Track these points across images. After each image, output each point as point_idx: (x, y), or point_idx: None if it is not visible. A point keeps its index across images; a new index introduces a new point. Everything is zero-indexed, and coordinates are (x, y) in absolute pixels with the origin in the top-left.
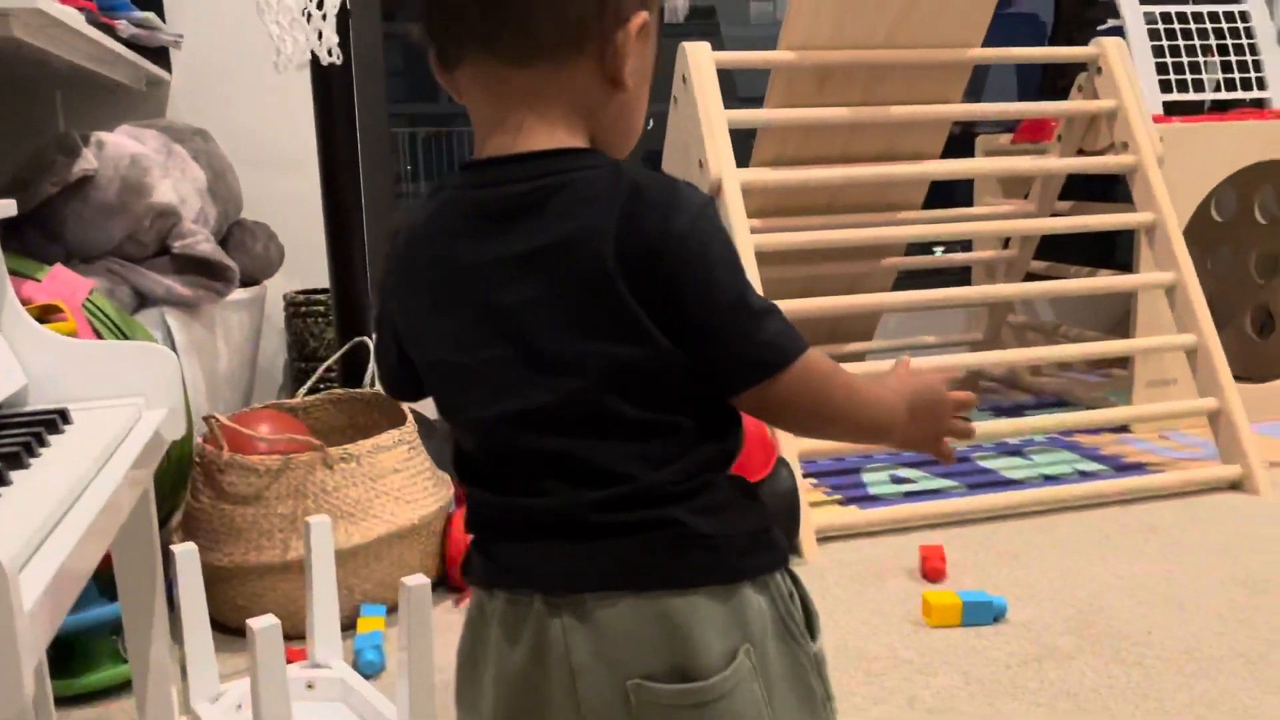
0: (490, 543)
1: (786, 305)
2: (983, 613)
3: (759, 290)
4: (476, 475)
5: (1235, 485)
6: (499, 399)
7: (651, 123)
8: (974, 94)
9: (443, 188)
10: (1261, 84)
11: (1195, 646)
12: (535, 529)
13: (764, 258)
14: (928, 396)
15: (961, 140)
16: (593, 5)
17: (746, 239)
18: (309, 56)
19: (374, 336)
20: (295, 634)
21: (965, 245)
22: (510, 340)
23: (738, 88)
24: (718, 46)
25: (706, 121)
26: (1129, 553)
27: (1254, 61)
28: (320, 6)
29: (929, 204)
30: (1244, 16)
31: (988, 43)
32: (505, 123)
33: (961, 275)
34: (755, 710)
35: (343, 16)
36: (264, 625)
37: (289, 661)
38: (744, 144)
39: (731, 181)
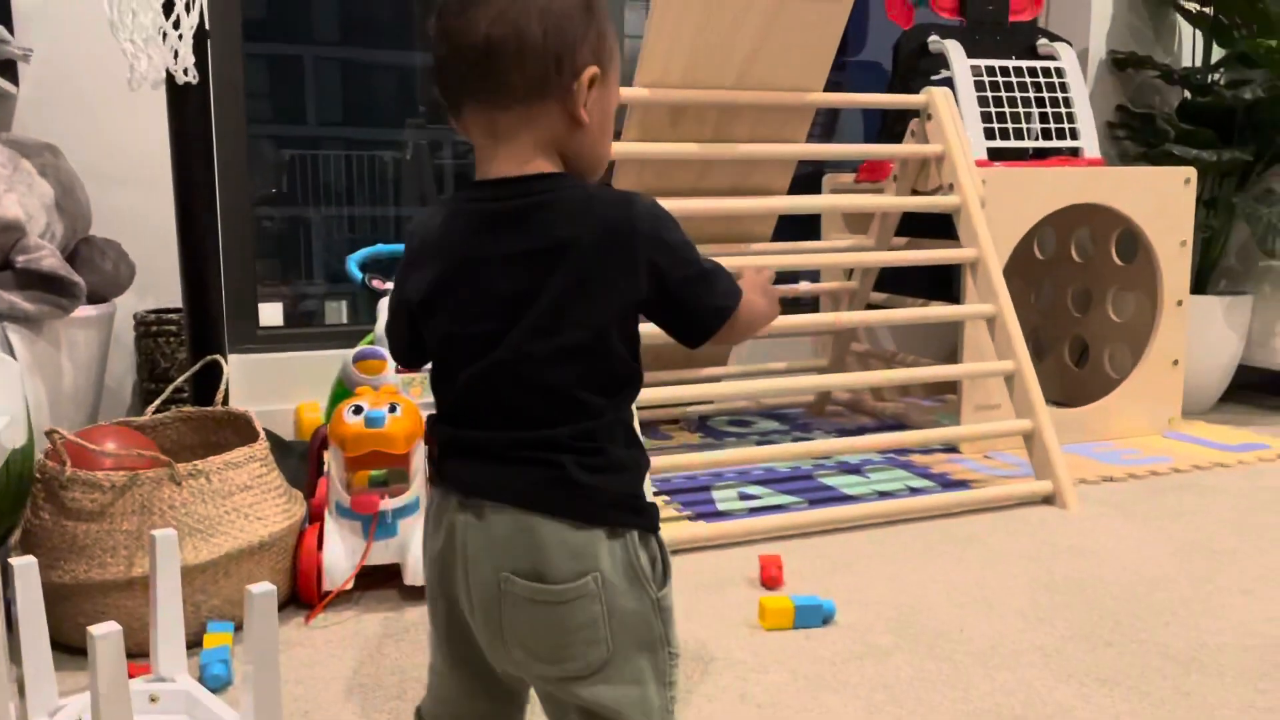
0: (443, 459)
1: (645, 331)
2: (813, 615)
3: None
4: (446, 415)
5: (1047, 500)
6: (476, 360)
7: None
8: (828, 135)
9: (453, 200)
10: (1075, 134)
11: (1000, 642)
12: (471, 451)
13: None
14: (762, 285)
15: (812, 178)
16: (551, 63)
17: None
18: (164, 75)
19: (387, 316)
20: (140, 651)
21: (814, 277)
22: (495, 318)
23: None
24: None
25: None
26: (949, 560)
27: (1068, 114)
28: (176, 26)
29: (787, 237)
30: (1059, 73)
31: (838, 87)
32: (497, 153)
33: (810, 305)
34: (593, 623)
35: (201, 36)
36: (105, 632)
37: (133, 676)
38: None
39: None
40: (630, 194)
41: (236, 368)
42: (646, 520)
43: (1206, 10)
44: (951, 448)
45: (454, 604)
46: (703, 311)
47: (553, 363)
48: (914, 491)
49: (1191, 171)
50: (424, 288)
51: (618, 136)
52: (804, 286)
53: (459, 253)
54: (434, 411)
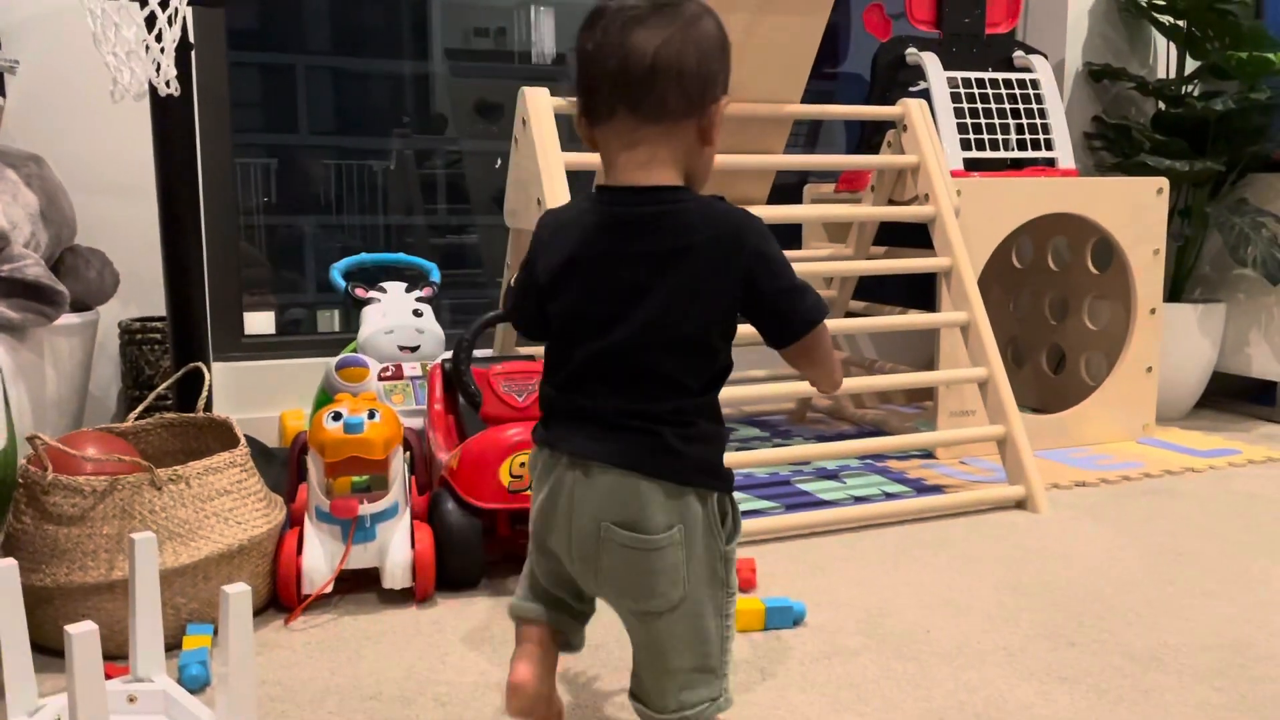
0: (552, 422)
1: None
2: (783, 617)
3: None
4: (560, 384)
5: (1020, 504)
6: (596, 339)
7: (499, 162)
8: (811, 145)
9: (586, 199)
10: (1050, 145)
11: (966, 643)
12: (581, 418)
13: None
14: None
15: (795, 188)
16: (699, 89)
17: None
18: (147, 87)
19: (514, 295)
20: (120, 654)
21: None
22: (616, 305)
23: None
24: (569, 91)
25: (544, 162)
26: (920, 564)
27: (1044, 125)
28: (159, 39)
29: None
30: (1035, 84)
31: (827, 98)
32: (633, 161)
33: None
34: (675, 567)
35: (184, 49)
36: (82, 631)
37: (112, 677)
38: (586, 185)
39: None
40: (742, 210)
41: (221, 376)
42: (725, 483)
43: (1180, 23)
44: (927, 453)
45: (550, 551)
46: (793, 318)
47: (661, 351)
48: (889, 496)
49: (1164, 182)
50: (554, 271)
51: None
52: None
53: (590, 246)
54: (545, 380)
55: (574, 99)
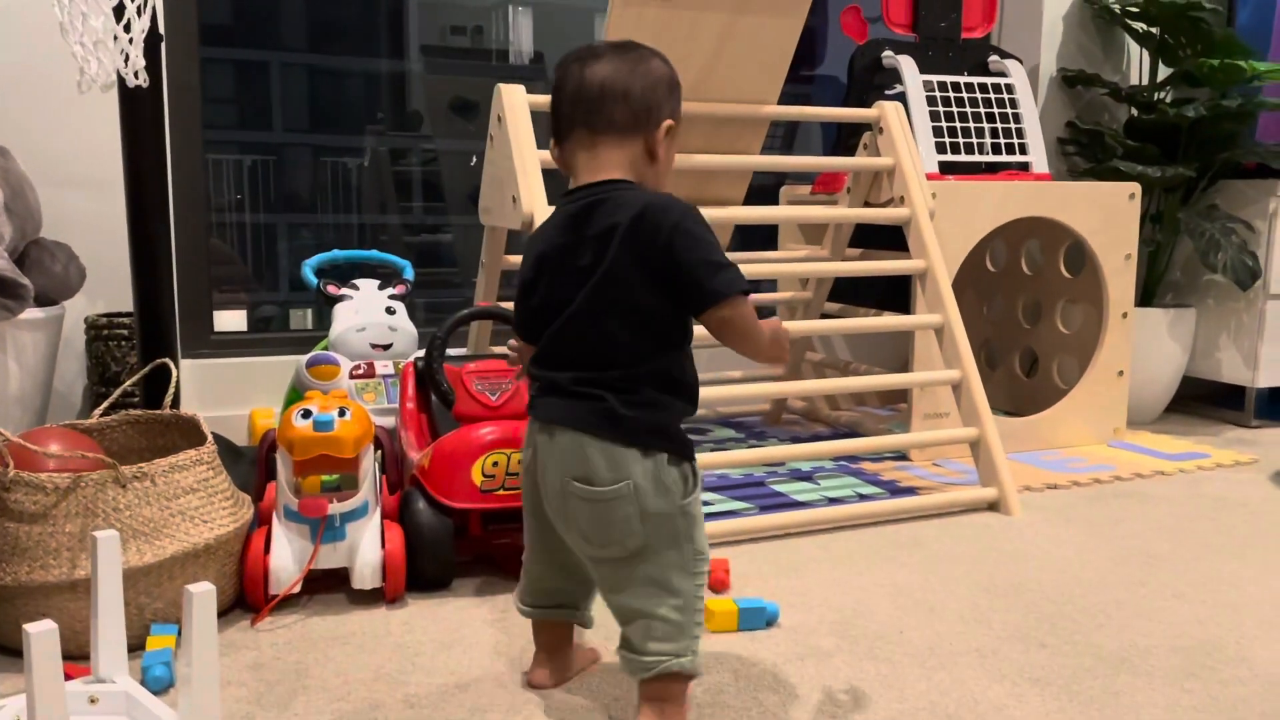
0: (535, 395)
1: None
2: (756, 618)
3: None
4: (536, 360)
5: (993, 506)
6: (557, 318)
7: (475, 160)
8: (788, 147)
9: (556, 209)
10: (1024, 149)
11: (938, 643)
12: (548, 389)
13: None
14: (773, 326)
15: (772, 189)
16: (644, 111)
17: None
18: (114, 78)
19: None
20: (82, 654)
21: (771, 286)
22: (572, 286)
23: None
24: (545, 90)
25: (520, 160)
26: (893, 564)
27: (1018, 129)
28: (128, 29)
29: (745, 248)
30: (1010, 89)
31: (805, 100)
32: (588, 166)
33: (765, 315)
34: (628, 518)
35: (154, 40)
36: (41, 630)
37: (74, 678)
38: (562, 184)
39: (543, 217)
40: (674, 197)
41: (190, 373)
42: (674, 446)
43: (1153, 30)
44: (901, 455)
45: (538, 504)
46: (705, 287)
47: (606, 320)
48: (863, 498)
49: (1136, 187)
50: (527, 270)
51: None
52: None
53: (551, 240)
54: (531, 361)
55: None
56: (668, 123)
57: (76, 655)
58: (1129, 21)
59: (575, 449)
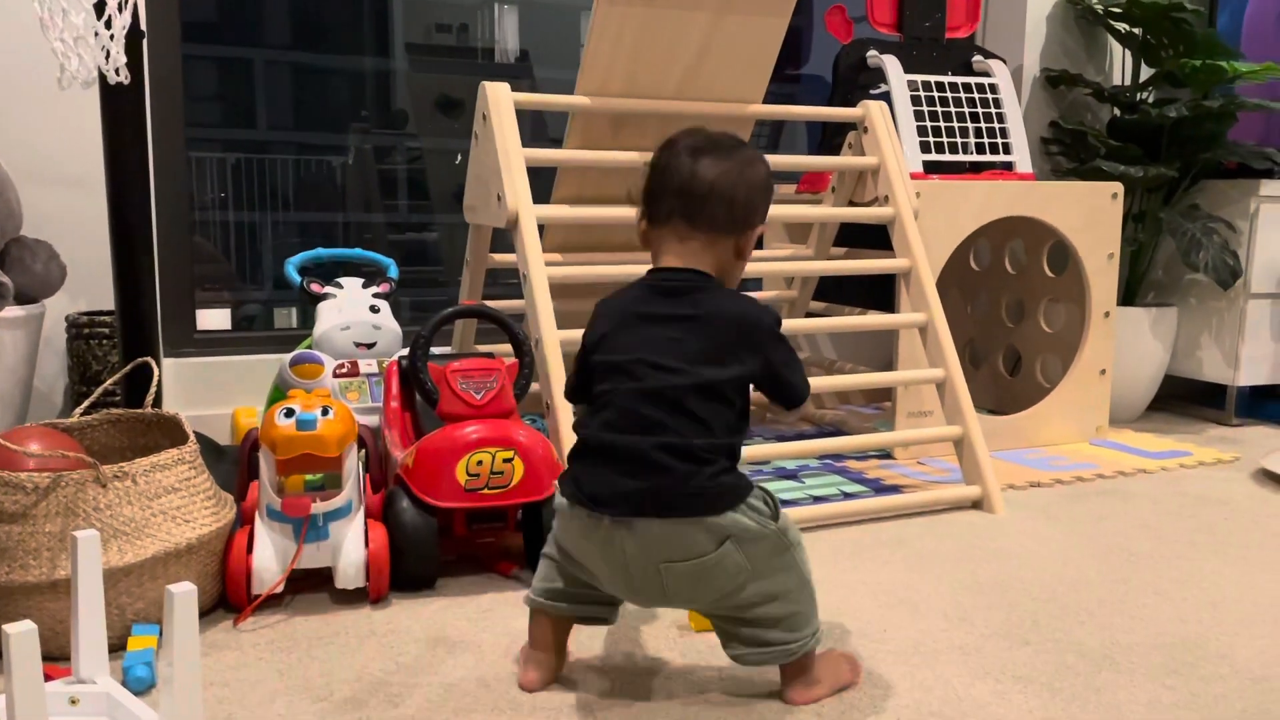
0: (583, 464)
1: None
2: None
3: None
4: (597, 424)
5: (976, 504)
6: (634, 381)
7: (460, 158)
8: (774, 146)
9: (634, 283)
10: (1008, 149)
11: (922, 641)
12: (613, 456)
13: (564, 290)
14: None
15: None
16: (743, 215)
17: (541, 271)
18: (95, 75)
19: (569, 378)
20: (63, 655)
21: (756, 285)
22: (654, 351)
23: (549, 128)
24: (530, 88)
25: (504, 158)
26: (877, 563)
27: (1002, 129)
28: (109, 26)
29: None
30: (994, 89)
31: (790, 99)
32: (678, 254)
33: None
34: (739, 565)
35: (135, 35)
36: (20, 630)
37: (55, 679)
38: (547, 182)
39: (528, 216)
40: (764, 304)
41: (173, 372)
42: (748, 489)
43: (1136, 31)
44: (885, 453)
45: (589, 576)
46: (793, 392)
47: (689, 394)
48: (847, 496)
49: (1119, 187)
50: (602, 330)
51: (560, 144)
52: None
53: (634, 306)
54: (581, 426)
55: (639, 206)
56: (760, 228)
57: (57, 656)
58: (1111, 22)
59: (670, 536)
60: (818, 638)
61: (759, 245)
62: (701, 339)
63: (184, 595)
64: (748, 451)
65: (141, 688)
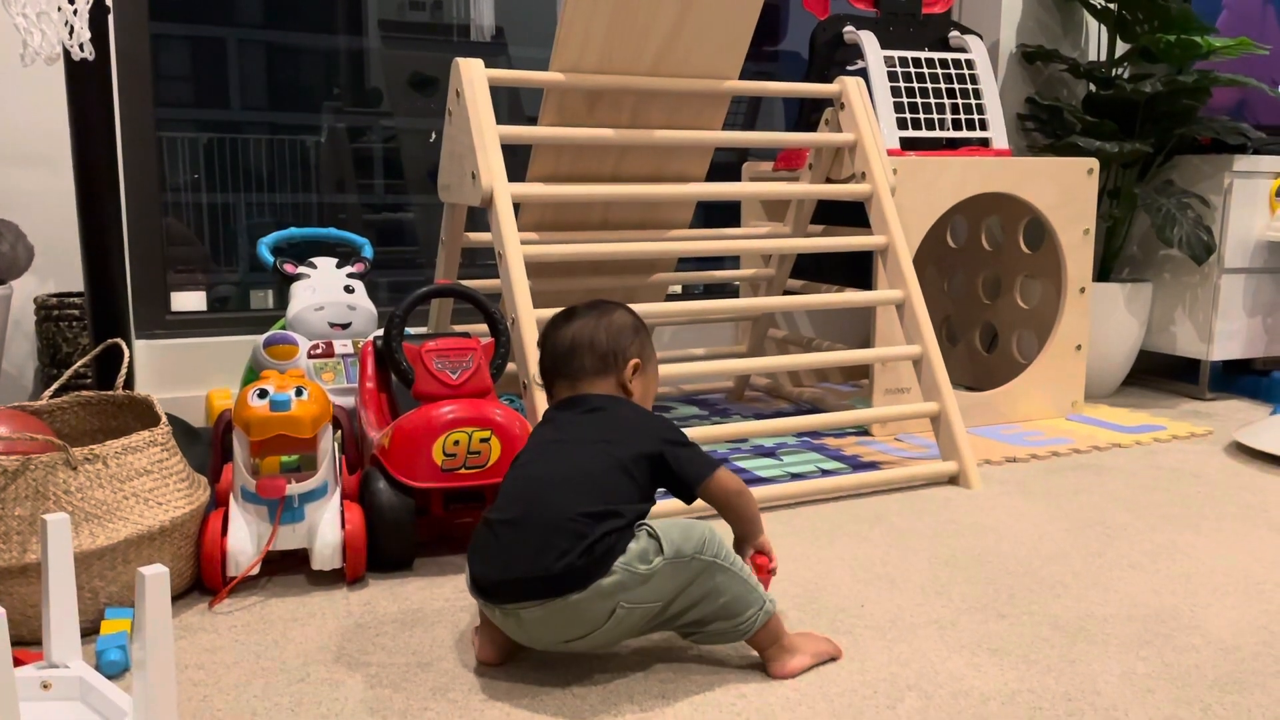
0: (478, 548)
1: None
2: None
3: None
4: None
5: (953, 480)
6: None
7: (434, 136)
8: (751, 123)
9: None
10: (985, 125)
11: (899, 616)
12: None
13: (540, 269)
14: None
15: (736, 166)
16: (611, 355)
17: (517, 250)
18: (60, 51)
19: None
20: (35, 639)
21: (734, 263)
22: (559, 458)
23: (525, 106)
24: (506, 66)
25: (478, 135)
26: (855, 538)
27: (979, 105)
28: (72, 1)
29: (709, 224)
30: (970, 64)
31: (768, 76)
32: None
33: (730, 292)
34: (649, 608)
35: (100, 10)
36: None
37: (27, 663)
38: (522, 159)
39: (503, 194)
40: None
41: (146, 353)
42: (622, 546)
43: (1111, 6)
44: (863, 430)
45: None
46: (690, 474)
47: (585, 479)
48: (825, 473)
49: (1094, 163)
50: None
51: (535, 122)
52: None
53: (544, 427)
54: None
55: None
56: (634, 361)
57: (29, 640)
58: None
59: (558, 614)
60: (767, 608)
61: (736, 223)
62: (600, 430)
63: (155, 577)
64: (727, 430)
65: (115, 671)
